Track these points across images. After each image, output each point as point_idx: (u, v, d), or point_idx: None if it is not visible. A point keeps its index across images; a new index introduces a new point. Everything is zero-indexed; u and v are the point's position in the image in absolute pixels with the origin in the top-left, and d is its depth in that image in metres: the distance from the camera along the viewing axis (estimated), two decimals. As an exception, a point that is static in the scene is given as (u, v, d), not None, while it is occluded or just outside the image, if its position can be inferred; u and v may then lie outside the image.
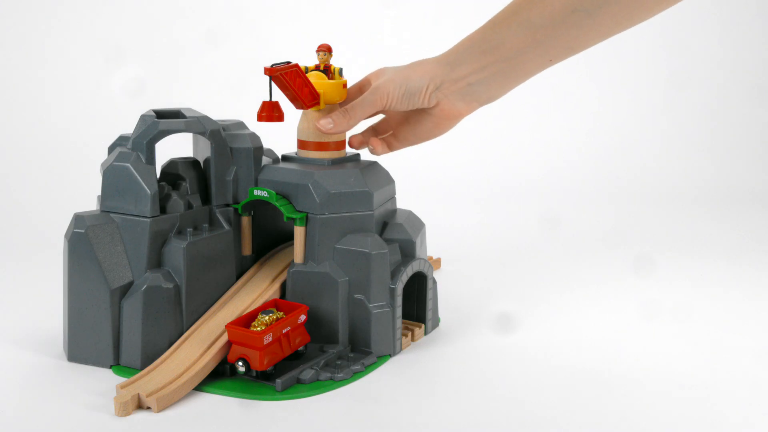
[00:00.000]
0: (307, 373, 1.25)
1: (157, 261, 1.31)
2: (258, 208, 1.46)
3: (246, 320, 1.28)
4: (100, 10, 2.84)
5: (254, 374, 1.25)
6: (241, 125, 1.46)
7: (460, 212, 2.42)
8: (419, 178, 2.71)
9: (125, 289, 1.30)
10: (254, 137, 1.41)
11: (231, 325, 1.24)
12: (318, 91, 1.38)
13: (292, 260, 1.40)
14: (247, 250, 1.45)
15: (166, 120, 1.33)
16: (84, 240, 1.29)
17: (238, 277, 1.44)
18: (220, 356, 1.26)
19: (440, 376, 1.30)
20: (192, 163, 1.41)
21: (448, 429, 1.13)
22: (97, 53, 2.81)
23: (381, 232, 1.42)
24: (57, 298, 1.57)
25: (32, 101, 2.71)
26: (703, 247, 2.04)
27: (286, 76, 1.32)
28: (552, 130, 3.01)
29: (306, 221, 1.36)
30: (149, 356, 1.29)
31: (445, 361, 1.36)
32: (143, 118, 1.33)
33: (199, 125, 1.34)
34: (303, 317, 1.31)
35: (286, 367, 1.28)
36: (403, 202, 1.93)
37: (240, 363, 1.24)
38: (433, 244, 2.02)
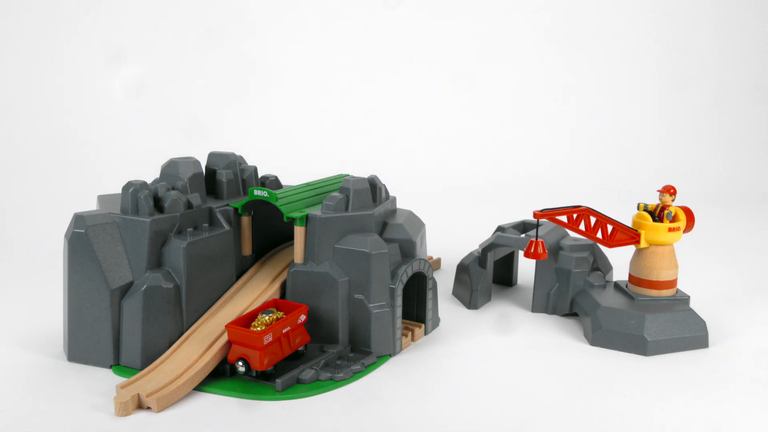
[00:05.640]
0: (307, 373, 1.25)
1: (157, 261, 1.31)
2: (258, 208, 1.46)
3: (246, 320, 1.28)
4: (101, 11, 2.84)
5: (254, 374, 1.25)
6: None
7: (460, 212, 2.42)
8: (419, 178, 2.71)
9: (125, 289, 1.30)
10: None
11: (231, 325, 1.24)
12: (638, 230, 1.47)
13: (292, 260, 1.40)
14: (247, 250, 1.45)
15: None
16: (84, 240, 1.29)
17: (238, 277, 1.44)
18: (220, 356, 1.26)
19: (440, 376, 1.30)
20: (192, 163, 1.41)
21: (448, 429, 1.13)
22: (98, 54, 2.81)
23: (381, 232, 1.42)
24: (57, 298, 1.57)
25: (33, 101, 2.71)
26: (705, 247, 2.04)
27: (553, 216, 1.43)
28: (553, 131, 3.01)
29: (306, 221, 1.36)
30: (149, 356, 1.29)
31: (445, 361, 1.36)
32: None
33: None
34: (303, 317, 1.31)
35: (286, 367, 1.28)
36: (403, 202, 1.94)
37: (240, 363, 1.24)
38: (433, 244, 2.02)
